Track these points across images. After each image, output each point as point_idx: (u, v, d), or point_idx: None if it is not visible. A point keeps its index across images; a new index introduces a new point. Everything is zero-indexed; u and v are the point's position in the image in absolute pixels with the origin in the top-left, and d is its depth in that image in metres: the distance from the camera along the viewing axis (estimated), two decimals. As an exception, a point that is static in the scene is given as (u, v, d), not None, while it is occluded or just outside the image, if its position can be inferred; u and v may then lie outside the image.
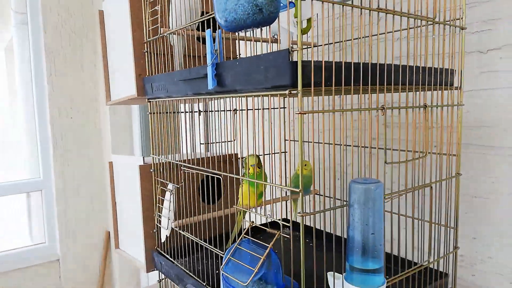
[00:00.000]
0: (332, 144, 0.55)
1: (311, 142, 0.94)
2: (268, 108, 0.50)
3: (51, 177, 2.53)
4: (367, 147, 0.54)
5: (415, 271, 0.60)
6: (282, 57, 0.42)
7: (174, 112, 0.79)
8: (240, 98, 0.57)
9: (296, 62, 0.41)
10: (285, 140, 0.93)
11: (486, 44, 0.70)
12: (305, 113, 0.43)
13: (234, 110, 0.72)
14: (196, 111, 0.77)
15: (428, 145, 0.56)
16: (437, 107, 0.58)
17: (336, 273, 0.48)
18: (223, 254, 0.53)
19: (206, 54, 0.54)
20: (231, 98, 0.79)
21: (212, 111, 0.84)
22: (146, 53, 0.75)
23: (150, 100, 0.75)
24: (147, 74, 0.76)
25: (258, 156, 0.78)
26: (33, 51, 2.48)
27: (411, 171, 0.57)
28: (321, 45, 0.84)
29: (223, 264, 0.48)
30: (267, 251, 0.45)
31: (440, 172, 0.60)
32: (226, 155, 0.88)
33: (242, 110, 0.67)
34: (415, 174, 0.56)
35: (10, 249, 2.53)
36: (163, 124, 0.76)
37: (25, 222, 2.67)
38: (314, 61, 0.42)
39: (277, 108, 0.92)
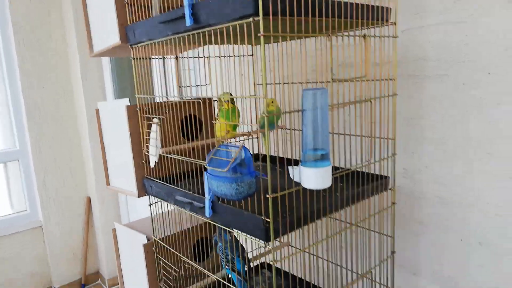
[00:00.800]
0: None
1: (279, 83, 1.07)
2: (239, 56, 0.61)
3: (28, 147, 2.56)
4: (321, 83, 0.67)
5: (359, 169, 0.76)
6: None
7: (152, 58, 0.89)
8: (213, 47, 0.68)
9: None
10: (254, 84, 1.05)
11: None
12: (266, 35, 0.55)
13: (207, 57, 0.83)
14: (174, 57, 0.88)
15: (368, 68, 0.70)
16: (374, 37, 0.72)
17: (294, 166, 0.61)
18: (206, 163, 0.66)
19: (180, 5, 0.65)
20: (207, 47, 0.90)
21: (188, 57, 0.94)
22: (126, 4, 0.84)
23: (132, 46, 0.85)
24: (128, 23, 0.85)
25: (230, 94, 0.90)
26: (-1, 22, 2.45)
27: (354, 88, 0.71)
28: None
29: (206, 161, 0.61)
30: (240, 147, 0.58)
31: (380, 92, 0.75)
32: (201, 97, 1.00)
33: (215, 57, 0.78)
34: (357, 91, 0.70)
35: (-7, 218, 2.58)
36: (145, 68, 0.86)
37: (4, 191, 2.71)
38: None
39: (246, 55, 1.03)
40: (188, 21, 0.64)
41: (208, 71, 0.82)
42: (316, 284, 1.00)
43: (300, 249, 0.71)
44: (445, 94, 0.84)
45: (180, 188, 0.77)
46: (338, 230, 0.88)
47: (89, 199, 2.77)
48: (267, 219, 0.59)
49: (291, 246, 1.11)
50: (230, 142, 0.85)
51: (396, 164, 0.92)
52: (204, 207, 0.70)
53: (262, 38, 0.54)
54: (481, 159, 0.81)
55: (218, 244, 0.86)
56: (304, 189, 0.62)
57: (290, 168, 0.61)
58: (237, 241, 0.86)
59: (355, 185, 0.78)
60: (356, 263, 0.94)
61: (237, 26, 0.58)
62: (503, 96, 0.76)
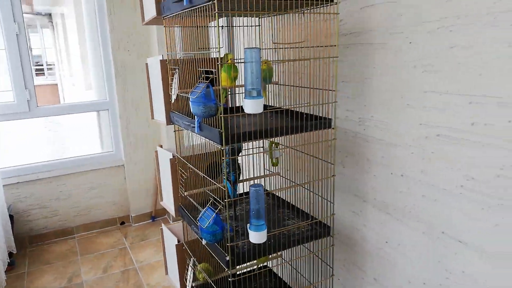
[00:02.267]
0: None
1: (272, 48, 1.39)
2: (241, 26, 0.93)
3: (115, 99, 3.17)
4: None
5: (297, 109, 1.07)
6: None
7: (176, 27, 1.27)
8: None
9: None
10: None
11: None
12: (219, 12, 0.88)
13: (221, 27, 1.18)
14: (193, 26, 1.25)
15: (307, 36, 1.00)
16: (315, 13, 1.00)
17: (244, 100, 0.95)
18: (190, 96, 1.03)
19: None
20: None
21: (204, 26, 1.30)
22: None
23: (163, 17, 1.23)
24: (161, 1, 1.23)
25: (233, 54, 1.25)
26: (96, -5, 3.02)
27: (293, 52, 1.01)
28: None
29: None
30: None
31: (323, 54, 1.03)
32: (213, 58, 1.36)
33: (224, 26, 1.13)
34: (301, 54, 1.00)
35: (88, 154, 3.26)
36: (171, 35, 1.25)
37: (96, 134, 3.39)
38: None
39: (249, 26, 1.36)
40: (186, 2, 1.00)
41: (217, 38, 1.17)
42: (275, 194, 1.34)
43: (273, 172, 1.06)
44: (383, 57, 1.10)
45: (185, 116, 1.16)
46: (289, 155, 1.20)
47: (161, 146, 3.34)
48: (221, 131, 0.95)
49: (280, 175, 1.45)
50: (232, 87, 1.20)
51: (351, 114, 1.20)
52: (195, 126, 1.07)
53: (217, 14, 0.88)
54: (404, 109, 1.06)
55: (223, 164, 1.24)
56: (249, 115, 0.96)
57: (243, 101, 0.95)
58: (234, 163, 1.24)
59: (295, 120, 1.10)
60: (305, 179, 1.25)
61: (208, 6, 0.93)
62: (418, 60, 1.00)
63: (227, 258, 1.01)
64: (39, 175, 3.03)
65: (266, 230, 1.00)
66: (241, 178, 1.29)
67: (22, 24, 2.79)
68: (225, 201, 0.99)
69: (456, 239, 0.99)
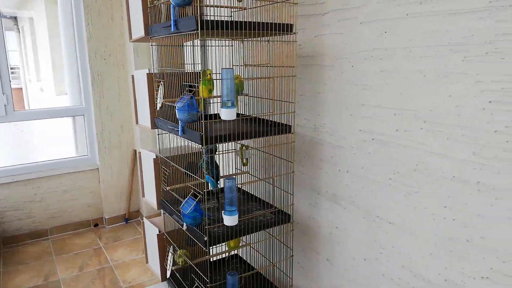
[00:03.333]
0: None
1: (246, 65, 1.63)
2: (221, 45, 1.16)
3: (91, 105, 3.31)
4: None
5: (263, 117, 1.31)
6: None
7: (163, 45, 1.49)
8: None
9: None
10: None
11: (320, 10, 1.35)
12: (202, 39, 1.11)
13: (199, 46, 1.41)
14: (178, 45, 1.47)
15: (271, 59, 1.24)
16: (277, 41, 1.25)
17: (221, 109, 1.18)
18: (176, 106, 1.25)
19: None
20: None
21: (188, 45, 1.52)
22: (149, 13, 1.43)
23: (151, 37, 1.44)
24: (150, 24, 1.44)
25: (210, 70, 1.48)
26: (74, 7, 3.17)
27: (261, 69, 1.25)
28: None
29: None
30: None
31: (285, 73, 1.28)
32: (195, 72, 1.58)
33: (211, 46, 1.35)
34: (266, 73, 1.25)
35: (62, 158, 3.38)
36: (159, 51, 1.46)
37: (71, 139, 3.51)
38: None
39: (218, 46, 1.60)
40: (172, 28, 1.23)
41: (200, 57, 1.40)
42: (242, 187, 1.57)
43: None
44: (332, 76, 1.36)
45: (169, 121, 1.37)
46: (253, 154, 1.44)
47: (134, 151, 3.49)
48: (201, 133, 1.17)
49: (249, 174, 1.69)
50: (208, 98, 1.43)
51: (308, 122, 1.46)
52: (178, 130, 1.29)
53: (199, 41, 1.11)
54: (348, 118, 1.33)
55: (204, 161, 1.47)
56: (225, 121, 1.19)
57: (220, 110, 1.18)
58: (213, 160, 1.47)
59: (262, 126, 1.34)
60: (267, 175, 1.50)
61: (193, 33, 1.16)
62: (357, 79, 1.27)
63: (205, 239, 1.23)
64: (14, 177, 3.12)
65: (237, 215, 1.23)
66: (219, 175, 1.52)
67: (0, 32, 2.90)
68: (204, 191, 1.22)
69: (387, 221, 1.26)
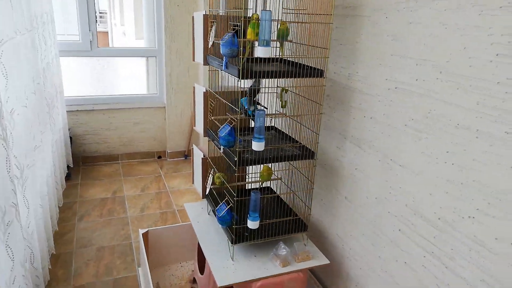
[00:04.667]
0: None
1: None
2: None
3: (163, 48, 3.62)
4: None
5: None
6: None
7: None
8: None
9: None
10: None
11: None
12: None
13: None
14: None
15: (317, 9, 1.36)
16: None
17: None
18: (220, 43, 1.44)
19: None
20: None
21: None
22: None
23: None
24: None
25: (257, 14, 1.63)
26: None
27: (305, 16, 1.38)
28: None
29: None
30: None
31: (324, 21, 1.41)
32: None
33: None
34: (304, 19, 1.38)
35: (136, 94, 3.77)
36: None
37: (144, 78, 3.89)
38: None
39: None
40: (223, 67, 1.39)
41: (253, 1, 1.56)
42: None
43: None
44: (368, 27, 1.46)
45: (217, 58, 1.58)
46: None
47: (197, 94, 3.79)
48: (240, 68, 1.36)
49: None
50: (255, 40, 1.60)
51: (344, 70, 1.58)
52: (223, 65, 1.49)
53: (244, -16, 1.27)
54: (377, 67, 1.43)
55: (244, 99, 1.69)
56: (263, 61, 1.37)
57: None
58: (251, 99, 1.67)
59: (296, 68, 1.49)
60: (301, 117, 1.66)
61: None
62: (389, 30, 1.36)
63: (235, 159, 1.45)
64: (94, 106, 3.58)
65: (264, 142, 1.42)
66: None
67: (91, -25, 3.25)
68: (238, 118, 1.43)
69: (398, 164, 1.38)
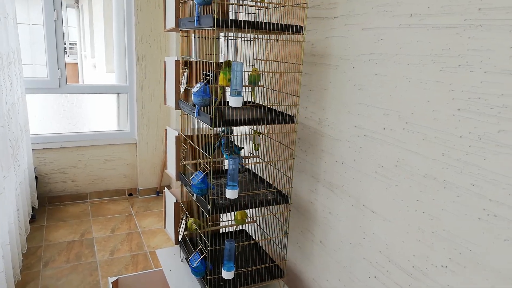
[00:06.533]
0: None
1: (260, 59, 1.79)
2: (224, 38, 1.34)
3: (134, 84, 3.60)
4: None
5: (271, 106, 1.47)
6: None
7: (192, 36, 1.68)
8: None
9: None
10: (254, 58, 1.79)
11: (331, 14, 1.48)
12: (216, 37, 1.29)
13: (221, 38, 1.59)
14: (203, 37, 1.66)
15: (280, 55, 1.40)
16: (288, 41, 1.40)
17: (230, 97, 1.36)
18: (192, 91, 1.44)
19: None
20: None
21: (217, 37, 1.71)
22: (180, 7, 1.63)
23: (180, 29, 1.64)
24: (180, 17, 1.64)
25: (230, 61, 1.66)
26: (127, -8, 3.43)
27: (276, 64, 1.41)
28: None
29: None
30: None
31: (294, 69, 1.44)
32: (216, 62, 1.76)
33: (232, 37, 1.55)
34: (275, 68, 1.41)
35: (105, 130, 3.70)
36: (186, 42, 1.66)
37: (115, 114, 3.84)
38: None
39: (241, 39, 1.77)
40: (195, 23, 1.41)
41: (214, 49, 1.58)
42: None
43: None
44: (336, 75, 1.50)
45: (189, 104, 1.57)
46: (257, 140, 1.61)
47: (169, 130, 3.76)
48: (212, 117, 1.36)
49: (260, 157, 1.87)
50: (227, 86, 1.62)
51: (314, 115, 1.61)
52: (195, 112, 1.49)
53: (214, 36, 1.29)
54: (346, 114, 1.46)
55: (221, 142, 1.68)
56: (236, 108, 1.37)
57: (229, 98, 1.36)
58: (229, 140, 1.67)
59: (268, 114, 1.51)
60: (272, 158, 1.67)
61: (210, 29, 1.34)
62: (356, 80, 1.40)
63: (209, 207, 1.43)
64: (62, 144, 3.48)
65: (237, 190, 1.41)
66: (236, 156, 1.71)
67: (60, 12, 3.23)
68: (211, 167, 1.41)
69: (370, 210, 1.39)
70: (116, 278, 2.03)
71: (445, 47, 1.08)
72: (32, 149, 3.33)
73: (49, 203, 3.54)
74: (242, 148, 1.71)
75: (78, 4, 10.16)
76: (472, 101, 1.02)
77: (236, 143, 2.10)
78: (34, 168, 3.34)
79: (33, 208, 3.23)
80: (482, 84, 0.99)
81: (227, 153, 1.69)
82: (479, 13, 0.99)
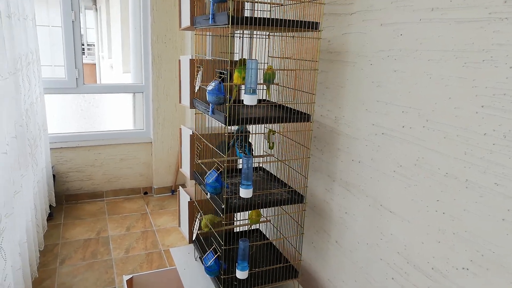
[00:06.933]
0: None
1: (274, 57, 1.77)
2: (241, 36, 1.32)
3: (150, 84, 3.62)
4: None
5: (286, 104, 1.45)
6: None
7: (207, 34, 1.67)
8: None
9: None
10: (268, 56, 1.77)
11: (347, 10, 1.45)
12: (231, 33, 1.27)
13: (235, 36, 1.57)
14: (218, 35, 1.65)
15: (297, 53, 1.38)
16: (304, 38, 1.38)
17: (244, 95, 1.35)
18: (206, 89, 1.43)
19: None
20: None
21: (233, 35, 1.70)
22: (195, 5, 1.62)
23: (195, 27, 1.63)
24: (195, 15, 1.63)
25: (245, 59, 1.64)
26: (143, -8, 3.46)
27: (292, 62, 1.39)
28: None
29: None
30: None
31: (309, 67, 1.41)
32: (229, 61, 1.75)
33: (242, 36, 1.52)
34: (291, 66, 1.38)
35: (122, 130, 3.73)
36: (201, 41, 1.65)
37: (130, 113, 3.87)
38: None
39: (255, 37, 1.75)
40: (210, 21, 1.40)
41: (228, 47, 1.57)
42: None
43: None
44: (353, 72, 1.47)
45: (204, 103, 1.56)
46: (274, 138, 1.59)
47: (184, 129, 3.78)
48: (226, 115, 1.34)
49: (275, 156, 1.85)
50: (242, 84, 1.60)
51: (330, 113, 1.58)
52: (209, 111, 1.48)
53: (229, 32, 1.28)
54: (364, 112, 1.43)
55: (237, 141, 1.66)
56: (250, 106, 1.36)
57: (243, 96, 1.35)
58: (245, 139, 1.65)
59: (284, 113, 1.49)
60: (287, 156, 1.64)
61: (225, 26, 1.32)
62: (374, 77, 1.37)
63: (223, 206, 1.41)
64: (79, 143, 3.52)
65: (251, 189, 1.40)
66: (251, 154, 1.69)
67: (77, 13, 3.27)
68: (225, 165, 1.40)
69: (388, 210, 1.36)
70: (130, 276, 2.04)
71: (468, 42, 1.04)
72: (50, 148, 3.38)
73: (66, 201, 3.59)
74: (250, 143, 1.69)
75: (96, 5, 10.32)
76: (497, 98, 0.98)
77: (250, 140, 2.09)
78: (52, 167, 3.39)
79: (50, 206, 3.28)
80: (508, 80, 0.95)
81: (240, 152, 1.67)
82: (505, 5, 0.95)
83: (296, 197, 1.56)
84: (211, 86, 1.37)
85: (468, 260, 1.08)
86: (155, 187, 3.84)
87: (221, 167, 1.45)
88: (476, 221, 1.05)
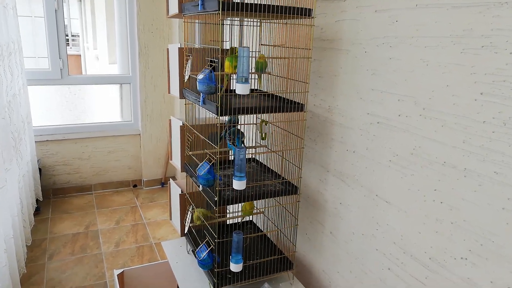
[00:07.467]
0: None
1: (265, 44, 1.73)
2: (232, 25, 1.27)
3: (137, 75, 3.54)
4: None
5: (278, 94, 1.41)
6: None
7: (196, 22, 1.62)
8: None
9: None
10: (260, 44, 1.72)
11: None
12: (222, 19, 1.23)
13: (225, 24, 1.52)
14: (208, 22, 1.59)
15: (287, 40, 1.33)
16: (297, 24, 1.34)
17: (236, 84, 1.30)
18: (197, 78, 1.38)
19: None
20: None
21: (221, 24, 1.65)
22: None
23: (183, 14, 1.58)
24: (183, 1, 1.57)
25: (236, 47, 1.59)
26: (128, -20, 3.36)
27: (284, 50, 1.35)
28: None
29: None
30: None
31: (303, 55, 1.37)
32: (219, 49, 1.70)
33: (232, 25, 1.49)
34: (283, 54, 1.34)
35: (109, 122, 3.65)
36: (190, 28, 1.60)
37: (118, 105, 3.78)
38: None
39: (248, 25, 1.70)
40: (200, 8, 1.35)
41: (220, 35, 1.52)
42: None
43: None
44: (347, 60, 1.44)
45: (194, 92, 1.52)
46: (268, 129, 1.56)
47: (173, 120, 3.71)
48: (218, 105, 1.30)
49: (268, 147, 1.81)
50: (233, 74, 1.56)
51: (323, 103, 1.55)
52: (200, 101, 1.43)
53: (220, 20, 1.23)
54: (358, 101, 1.40)
55: (227, 132, 1.62)
56: (243, 95, 1.31)
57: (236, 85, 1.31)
58: (236, 130, 1.61)
59: (276, 102, 1.45)
60: (280, 148, 1.61)
61: (215, 13, 1.27)
62: (368, 65, 1.34)
63: (216, 199, 1.38)
64: (65, 135, 3.44)
65: (245, 181, 1.36)
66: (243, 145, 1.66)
67: (60, 2, 3.16)
68: (217, 157, 1.36)
69: (384, 200, 1.34)
70: (121, 270, 2.00)
71: (466, 28, 1.01)
72: (35, 141, 3.30)
73: (53, 195, 3.52)
74: (242, 134, 1.66)
75: (79, -5, 10.06)
76: (496, 85, 0.96)
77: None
78: (38, 160, 3.31)
79: (37, 200, 3.20)
80: (508, 66, 0.93)
81: (231, 143, 1.63)
82: (505, -11, 0.92)
83: (290, 188, 1.53)
84: (201, 75, 1.32)
85: (466, 250, 1.07)
86: (144, 179, 3.78)
87: (213, 158, 1.41)
88: (475, 210, 1.04)
